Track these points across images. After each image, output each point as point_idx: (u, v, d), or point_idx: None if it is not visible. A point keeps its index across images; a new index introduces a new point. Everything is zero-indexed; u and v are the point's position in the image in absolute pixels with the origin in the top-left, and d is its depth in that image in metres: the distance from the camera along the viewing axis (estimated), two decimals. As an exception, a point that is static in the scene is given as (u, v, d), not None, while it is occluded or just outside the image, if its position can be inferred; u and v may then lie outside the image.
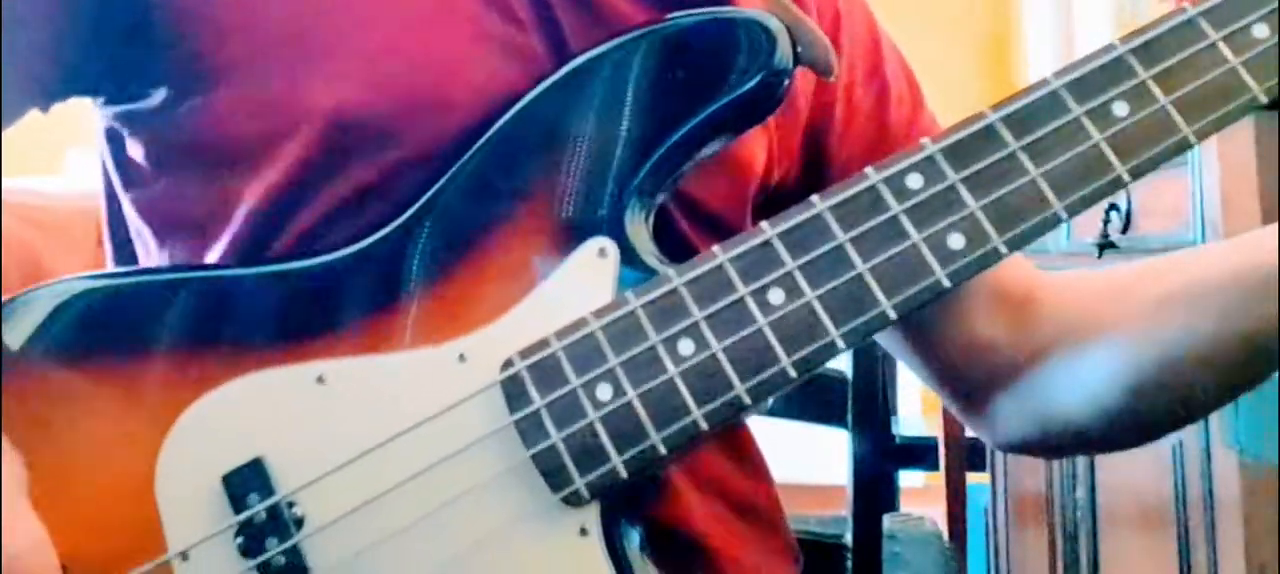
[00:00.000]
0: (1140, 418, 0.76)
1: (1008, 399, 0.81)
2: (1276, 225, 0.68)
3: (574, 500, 0.61)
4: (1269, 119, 1.35)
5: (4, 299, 0.66)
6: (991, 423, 0.84)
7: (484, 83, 0.69)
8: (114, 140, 0.76)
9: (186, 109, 0.71)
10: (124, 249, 0.78)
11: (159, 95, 0.72)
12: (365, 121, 0.68)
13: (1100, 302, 0.78)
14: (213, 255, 0.72)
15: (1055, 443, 0.83)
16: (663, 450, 0.61)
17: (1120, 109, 0.63)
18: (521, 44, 0.71)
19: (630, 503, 0.63)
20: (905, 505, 1.37)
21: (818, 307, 0.61)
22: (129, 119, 0.74)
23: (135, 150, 0.75)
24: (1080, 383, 0.77)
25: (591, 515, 0.61)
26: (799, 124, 0.81)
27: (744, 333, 0.61)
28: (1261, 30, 0.64)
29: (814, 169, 0.82)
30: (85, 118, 0.79)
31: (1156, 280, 0.75)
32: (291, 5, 0.70)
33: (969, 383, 0.84)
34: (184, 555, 0.61)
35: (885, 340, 0.88)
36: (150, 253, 0.76)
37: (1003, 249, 0.62)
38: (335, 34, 0.69)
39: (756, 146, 0.77)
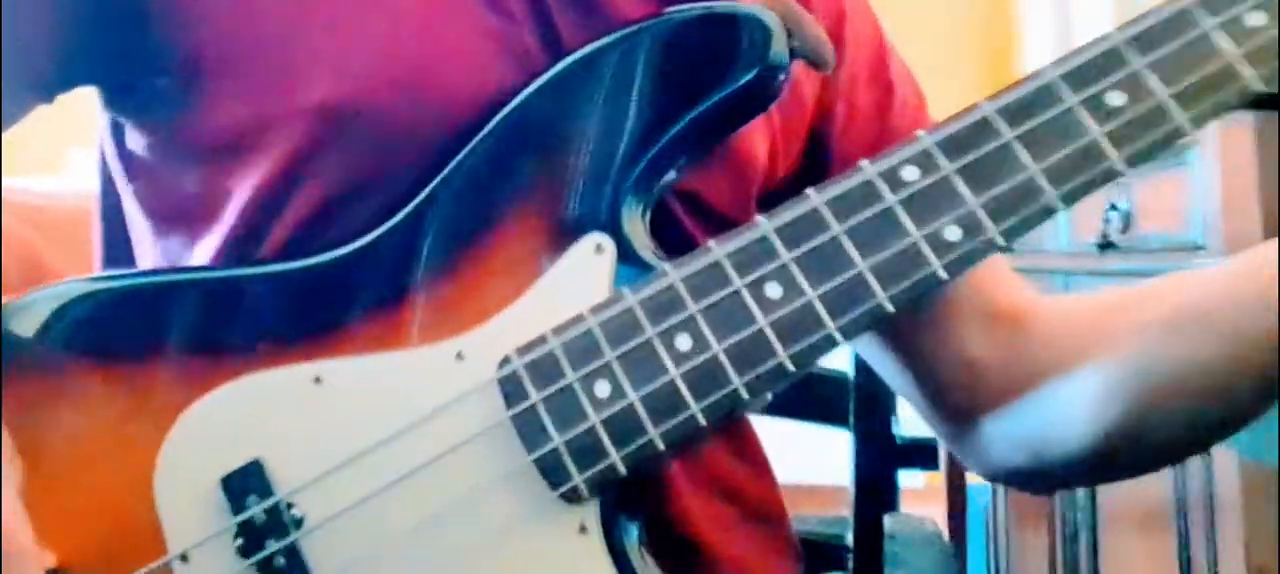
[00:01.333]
0: (1133, 447, 0.75)
1: (997, 424, 0.80)
2: (1273, 243, 0.68)
3: (572, 497, 0.60)
4: (1269, 119, 1.35)
5: (4, 299, 0.65)
6: (980, 450, 0.83)
7: (478, 78, 0.69)
8: (117, 131, 0.76)
9: (184, 99, 0.71)
10: (116, 244, 0.78)
11: (158, 86, 0.72)
12: (357, 115, 0.68)
13: (1094, 326, 0.77)
14: (207, 248, 0.72)
15: (1047, 471, 0.81)
16: (661, 446, 0.60)
17: (1116, 99, 0.63)
18: (515, 39, 0.71)
19: (629, 499, 0.63)
20: (905, 505, 1.36)
21: (815, 300, 0.61)
22: (129, 110, 0.75)
23: (136, 142, 0.75)
24: (1074, 409, 0.75)
25: (590, 512, 0.61)
26: (804, 120, 0.81)
27: (741, 327, 0.61)
28: (1257, 19, 0.63)
29: (816, 167, 0.81)
30: (86, 117, 0.79)
31: (1153, 303, 0.74)
32: (286, 2, 0.70)
33: (956, 407, 0.82)
34: (184, 557, 0.61)
35: (876, 361, 0.87)
36: (147, 247, 0.76)
37: (999, 240, 0.62)
38: (329, 27, 0.69)
39: (759, 142, 0.77)
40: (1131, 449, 0.75)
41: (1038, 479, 0.85)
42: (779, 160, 0.79)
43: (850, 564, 1.29)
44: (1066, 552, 1.83)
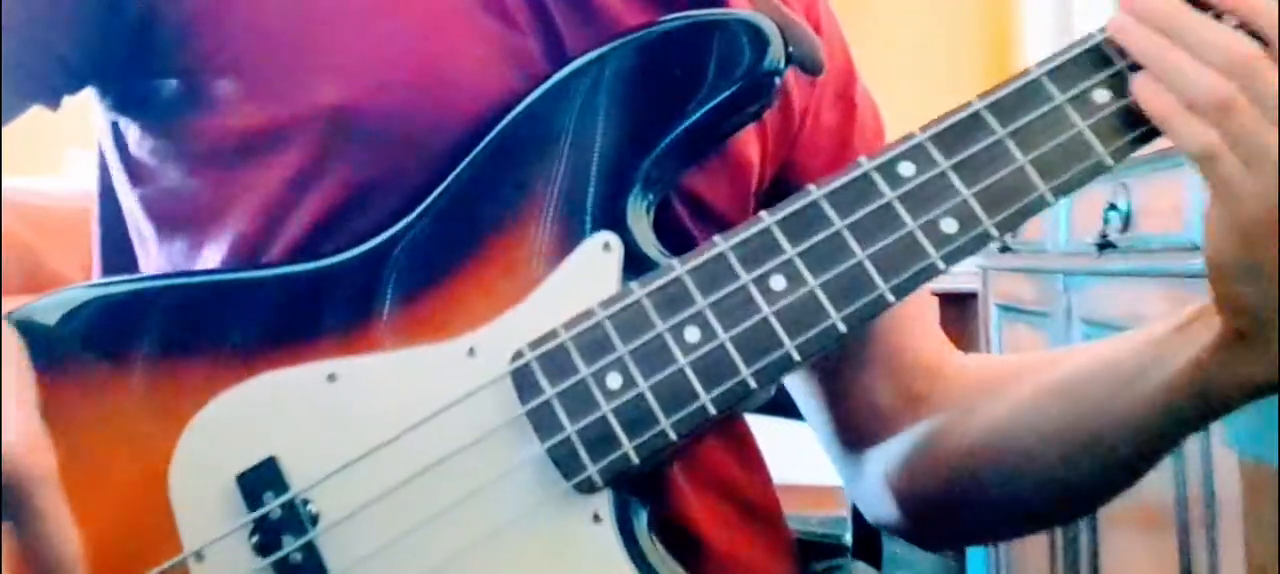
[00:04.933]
0: (1001, 503, 0.78)
1: (878, 466, 0.84)
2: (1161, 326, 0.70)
3: (586, 487, 0.61)
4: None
5: (4, 300, 0.65)
6: (863, 488, 0.86)
7: (482, 82, 0.70)
8: (118, 135, 0.76)
9: (191, 102, 0.71)
10: (117, 248, 0.78)
11: (164, 90, 0.72)
12: (363, 120, 0.69)
13: (990, 385, 0.80)
14: (215, 253, 0.72)
15: (900, 522, 0.84)
16: (673, 436, 0.61)
17: (1101, 96, 0.65)
18: (518, 44, 0.72)
19: (640, 488, 0.64)
20: (906, 505, 1.37)
21: (819, 291, 0.63)
22: (135, 112, 0.75)
23: (141, 146, 0.75)
24: (951, 459, 0.79)
25: (604, 502, 0.62)
26: (791, 126, 0.83)
27: (748, 318, 0.62)
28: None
29: (783, 174, 0.84)
30: (85, 118, 0.79)
31: (1040, 371, 0.77)
32: (292, 6, 0.70)
33: (853, 444, 0.86)
34: (199, 555, 0.61)
35: (794, 386, 0.90)
36: (150, 251, 0.76)
37: (993, 231, 0.63)
38: (337, 31, 0.70)
39: (752, 142, 0.79)
40: (999, 504, 0.78)
41: (902, 528, 0.87)
42: (768, 163, 0.81)
43: (850, 564, 1.29)
44: (1066, 552, 1.83)
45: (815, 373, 0.87)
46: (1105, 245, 1.68)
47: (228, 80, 0.70)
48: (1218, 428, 1.38)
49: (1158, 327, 0.70)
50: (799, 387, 0.89)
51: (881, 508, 0.85)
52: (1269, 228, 0.60)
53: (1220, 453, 1.39)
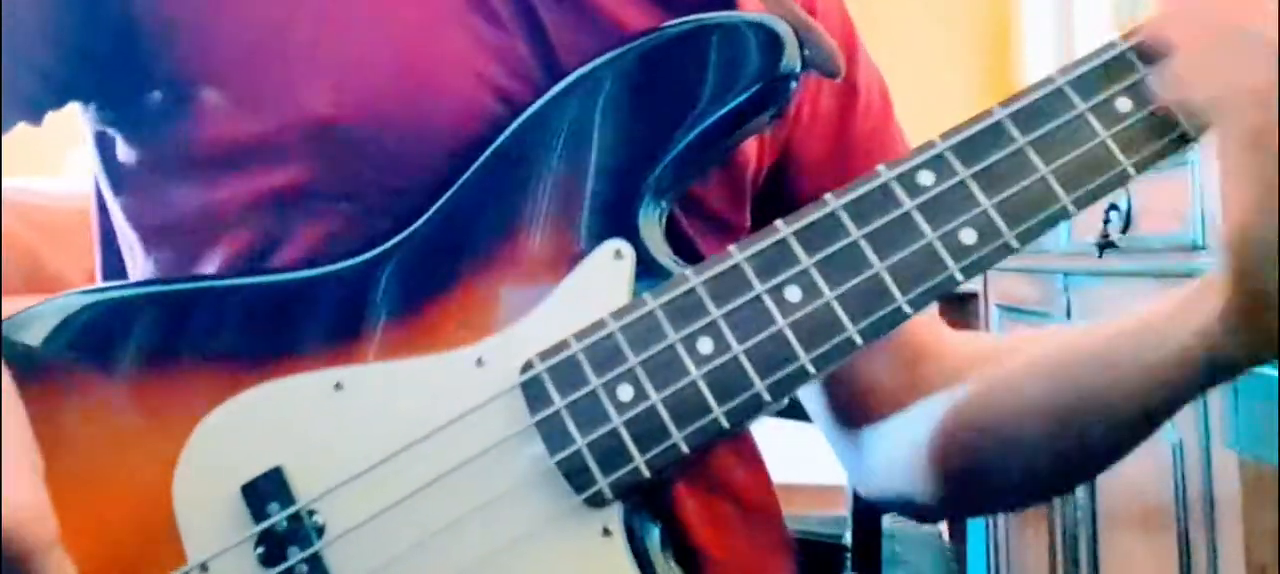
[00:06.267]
0: (980, 477, 0.77)
1: (877, 442, 0.83)
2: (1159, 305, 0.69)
3: (597, 501, 0.60)
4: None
5: (4, 300, 0.65)
6: (861, 466, 0.86)
7: (473, 87, 0.69)
8: (104, 145, 0.76)
9: (175, 114, 0.70)
10: (117, 251, 0.78)
11: (149, 101, 0.71)
12: (353, 127, 0.68)
13: (985, 360, 0.79)
14: (211, 263, 0.71)
15: (907, 497, 0.83)
16: (685, 449, 0.61)
17: (1123, 104, 0.64)
18: (509, 48, 0.71)
19: (651, 502, 0.63)
20: (906, 505, 1.37)
21: (835, 303, 0.62)
22: (120, 124, 0.74)
23: (126, 155, 0.74)
24: (933, 432, 0.78)
25: (614, 515, 0.61)
26: (786, 122, 0.82)
27: (762, 331, 0.62)
28: None
29: (777, 167, 0.82)
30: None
31: (1040, 345, 0.76)
32: (276, 13, 0.70)
33: (849, 423, 0.86)
34: (204, 567, 0.60)
35: None
36: (137, 260, 0.75)
37: (1014, 243, 0.63)
38: (322, 40, 0.69)
39: (751, 143, 0.78)
40: (974, 479, 0.78)
41: (900, 504, 0.87)
42: (766, 159, 0.80)
43: (849, 564, 1.29)
44: (1066, 552, 1.83)
45: None
46: (1106, 245, 1.68)
47: (212, 90, 0.69)
48: (1218, 428, 1.38)
49: (1155, 306, 0.69)
50: None
51: (882, 483, 0.85)
52: None
53: (1220, 453, 1.39)
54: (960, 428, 0.77)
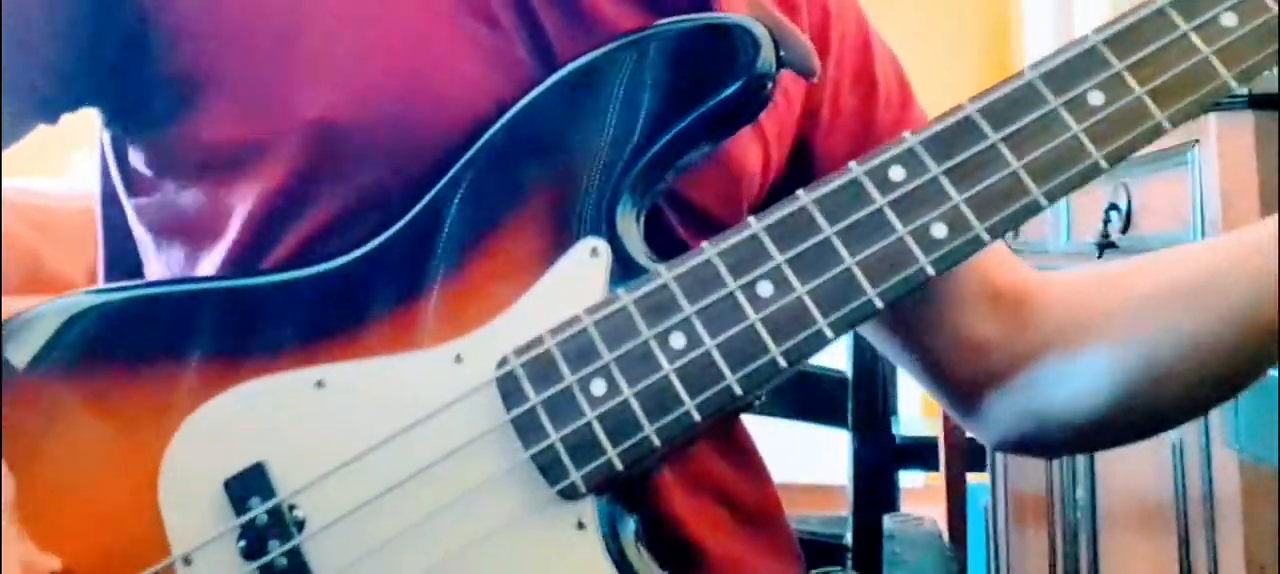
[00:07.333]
0: (1134, 414, 0.78)
1: (1001, 398, 0.83)
2: (1265, 224, 0.70)
3: (571, 494, 0.61)
4: (1268, 119, 1.35)
5: (4, 301, 0.66)
6: (986, 422, 0.85)
7: (471, 90, 0.70)
8: (118, 147, 0.77)
9: (181, 115, 0.71)
10: (121, 251, 0.79)
11: (155, 102, 0.72)
12: (352, 131, 0.69)
13: (1088, 301, 0.80)
14: (210, 263, 0.72)
15: (1053, 441, 0.85)
16: (656, 442, 0.61)
17: (1095, 98, 0.64)
18: (506, 51, 0.72)
19: (626, 496, 0.64)
20: (905, 505, 1.37)
21: (806, 298, 0.63)
22: (130, 127, 0.75)
23: (137, 158, 0.75)
24: (1071, 382, 0.79)
25: (588, 509, 0.62)
26: (792, 124, 0.82)
27: (734, 325, 0.62)
28: (1230, 19, 0.65)
29: (801, 169, 0.83)
30: (90, 120, 0.79)
31: (1140, 278, 0.77)
32: (280, 16, 0.70)
33: (963, 383, 0.85)
34: (186, 559, 0.61)
35: (882, 345, 0.89)
36: (150, 260, 0.76)
37: (985, 237, 0.63)
38: (324, 42, 0.70)
39: (752, 151, 0.78)
40: (1128, 416, 0.78)
41: (1044, 446, 0.90)
42: (770, 167, 0.81)
43: (850, 564, 1.29)
44: (1066, 552, 1.83)
45: (905, 324, 0.85)
46: (1106, 245, 1.68)
47: (216, 92, 0.70)
48: (1218, 428, 1.38)
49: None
50: (892, 346, 0.87)
51: (1014, 437, 0.85)
52: None
53: (1220, 453, 1.39)
54: (1110, 358, 0.77)
